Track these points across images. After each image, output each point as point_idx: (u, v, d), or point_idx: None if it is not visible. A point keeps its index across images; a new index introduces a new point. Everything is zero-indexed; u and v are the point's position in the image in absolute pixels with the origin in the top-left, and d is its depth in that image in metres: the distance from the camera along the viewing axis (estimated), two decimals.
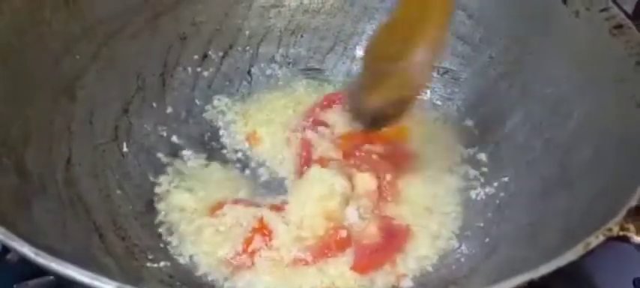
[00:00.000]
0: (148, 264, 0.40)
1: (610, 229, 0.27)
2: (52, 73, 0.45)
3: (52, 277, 0.41)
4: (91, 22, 0.49)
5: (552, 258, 0.27)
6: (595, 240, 0.27)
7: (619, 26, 0.41)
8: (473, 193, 0.45)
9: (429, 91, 0.53)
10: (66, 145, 0.43)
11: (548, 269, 0.25)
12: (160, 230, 0.43)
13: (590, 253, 0.27)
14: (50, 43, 0.45)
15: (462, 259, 0.41)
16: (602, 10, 0.42)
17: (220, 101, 0.53)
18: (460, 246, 0.42)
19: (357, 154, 0.46)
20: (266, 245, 0.41)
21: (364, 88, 0.41)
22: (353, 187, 0.44)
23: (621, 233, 0.27)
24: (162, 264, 0.40)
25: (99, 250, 0.38)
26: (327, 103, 0.52)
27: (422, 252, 0.42)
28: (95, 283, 0.25)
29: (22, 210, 0.36)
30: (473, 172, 0.47)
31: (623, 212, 0.29)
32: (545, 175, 0.41)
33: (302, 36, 0.58)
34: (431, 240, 0.43)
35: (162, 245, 0.42)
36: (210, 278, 0.40)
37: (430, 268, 0.41)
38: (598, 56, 0.42)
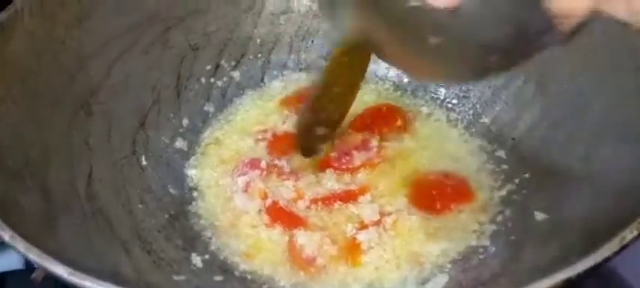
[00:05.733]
0: (175, 277, 0.40)
1: None
2: (68, 90, 0.46)
3: None
4: (103, 38, 0.49)
5: (586, 254, 0.27)
6: (630, 234, 0.27)
7: None
8: (494, 191, 0.45)
9: (443, 91, 0.53)
10: (86, 162, 0.44)
11: (585, 266, 0.25)
12: (184, 243, 0.43)
13: (625, 248, 0.27)
14: (65, 61, 0.46)
15: (488, 259, 0.40)
16: None
17: (236, 110, 0.54)
18: (484, 244, 0.42)
19: None
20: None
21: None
22: None
23: None
24: (188, 277, 0.40)
25: (126, 265, 0.38)
26: None
27: (444, 249, 0.42)
28: None
29: (49, 229, 0.36)
30: (493, 169, 0.47)
31: None
32: (567, 170, 0.41)
33: (313, 41, 0.58)
34: (454, 237, 0.43)
35: (187, 258, 0.42)
36: None
37: (453, 266, 0.41)
38: (614, 47, 0.42)
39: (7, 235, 0.29)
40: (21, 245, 0.28)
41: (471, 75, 0.29)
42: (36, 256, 0.27)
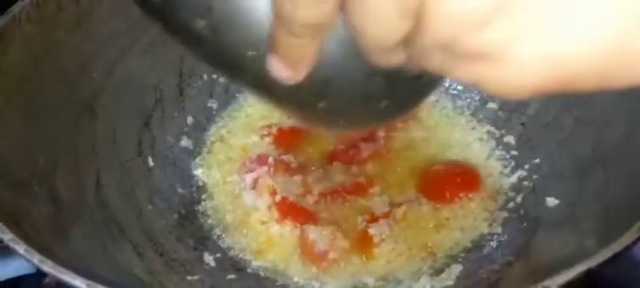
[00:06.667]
0: (188, 277, 0.40)
1: None
2: (71, 95, 0.45)
3: None
4: (103, 39, 0.48)
5: (603, 241, 0.27)
6: None
7: None
8: (504, 178, 0.45)
9: (448, 78, 0.52)
10: (94, 166, 0.43)
11: (604, 257, 0.25)
12: (195, 243, 0.43)
13: None
14: (65, 65, 0.45)
15: (501, 247, 0.40)
16: None
17: (240, 107, 0.53)
18: (496, 232, 0.42)
19: None
20: None
21: None
22: None
23: None
24: (201, 277, 0.40)
25: (139, 269, 0.38)
26: None
27: (456, 238, 0.42)
28: None
29: (61, 238, 0.36)
30: (502, 156, 0.46)
31: None
32: (578, 154, 0.41)
33: None
34: (465, 226, 0.43)
35: (199, 258, 0.42)
36: None
37: (466, 256, 0.41)
38: None
39: (21, 249, 0.29)
40: (36, 258, 0.28)
41: (375, 121, 0.29)
42: (51, 269, 0.27)
